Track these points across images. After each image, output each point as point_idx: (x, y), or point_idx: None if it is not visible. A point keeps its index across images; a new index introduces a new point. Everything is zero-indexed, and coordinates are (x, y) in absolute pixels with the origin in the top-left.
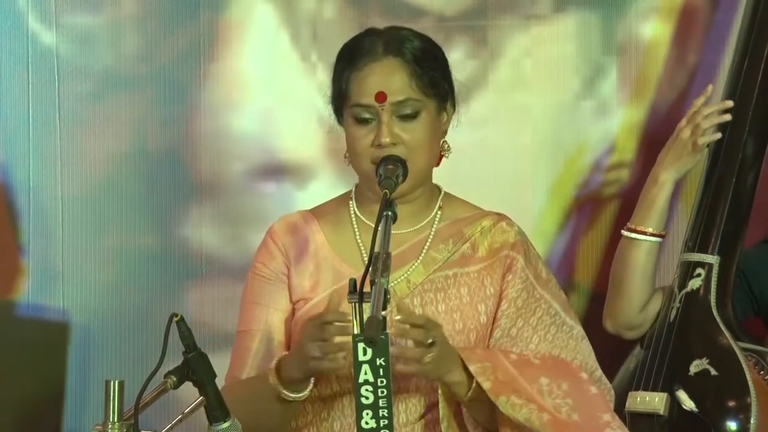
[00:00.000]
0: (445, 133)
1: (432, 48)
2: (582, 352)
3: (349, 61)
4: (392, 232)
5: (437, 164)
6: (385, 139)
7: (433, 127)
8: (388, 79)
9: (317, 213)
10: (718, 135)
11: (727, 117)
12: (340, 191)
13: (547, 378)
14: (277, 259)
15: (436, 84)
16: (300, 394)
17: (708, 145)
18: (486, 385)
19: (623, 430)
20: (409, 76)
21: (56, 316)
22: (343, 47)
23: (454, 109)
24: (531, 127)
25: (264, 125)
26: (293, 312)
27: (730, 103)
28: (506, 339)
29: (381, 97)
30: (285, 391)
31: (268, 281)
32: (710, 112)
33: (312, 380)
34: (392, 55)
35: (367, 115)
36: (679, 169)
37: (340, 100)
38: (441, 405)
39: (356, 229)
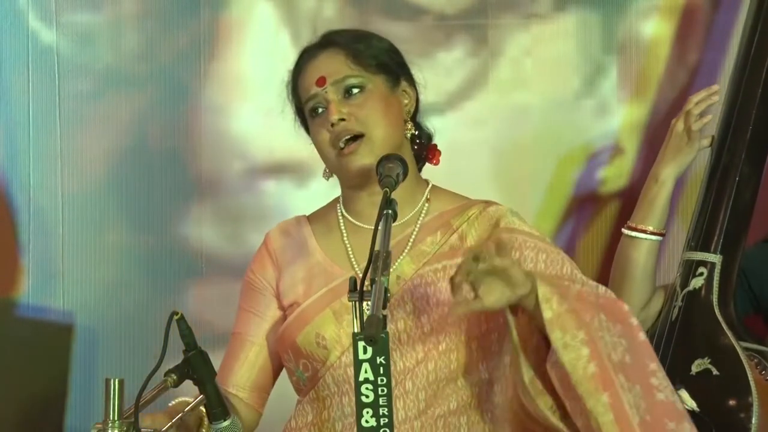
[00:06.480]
0: (409, 114)
1: (368, 34)
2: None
3: (293, 73)
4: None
5: (436, 163)
6: (333, 117)
7: (386, 101)
8: (324, 65)
9: (311, 218)
10: (709, 118)
11: (716, 98)
12: (340, 190)
13: (605, 316)
14: (267, 268)
15: (376, 59)
16: None
17: (711, 144)
18: (547, 315)
19: (666, 381)
20: (344, 57)
21: (56, 314)
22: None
23: (416, 93)
24: (531, 126)
25: (264, 124)
26: (284, 317)
27: (716, 87)
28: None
29: (321, 81)
30: None
31: (258, 291)
32: (699, 98)
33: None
34: (326, 48)
35: (318, 107)
36: (679, 164)
37: (300, 111)
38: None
39: (343, 230)
